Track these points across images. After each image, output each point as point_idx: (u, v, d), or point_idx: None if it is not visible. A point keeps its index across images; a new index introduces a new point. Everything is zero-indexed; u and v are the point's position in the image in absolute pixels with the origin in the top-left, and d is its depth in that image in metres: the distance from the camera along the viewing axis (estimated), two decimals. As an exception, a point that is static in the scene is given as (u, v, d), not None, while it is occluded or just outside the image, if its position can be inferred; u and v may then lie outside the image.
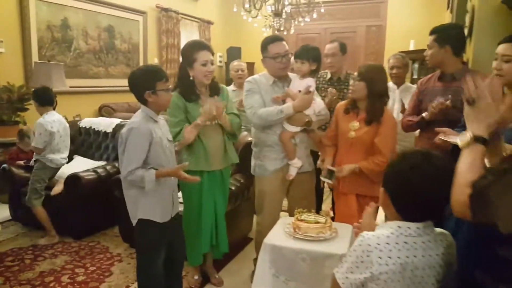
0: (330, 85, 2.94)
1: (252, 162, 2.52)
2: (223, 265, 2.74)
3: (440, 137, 1.77)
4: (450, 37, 2.20)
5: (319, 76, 2.98)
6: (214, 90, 2.37)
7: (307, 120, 2.28)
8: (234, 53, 6.95)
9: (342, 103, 2.38)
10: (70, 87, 4.17)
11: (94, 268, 2.71)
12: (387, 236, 1.10)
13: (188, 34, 6.64)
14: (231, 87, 3.59)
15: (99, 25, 4.86)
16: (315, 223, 1.91)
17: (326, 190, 3.31)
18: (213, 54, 2.30)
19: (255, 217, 3.28)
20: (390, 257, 1.07)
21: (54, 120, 2.98)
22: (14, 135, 3.50)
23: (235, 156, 2.47)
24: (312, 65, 2.32)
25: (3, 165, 3.29)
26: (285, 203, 2.60)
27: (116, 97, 5.11)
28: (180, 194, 2.38)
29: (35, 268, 2.69)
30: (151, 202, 1.87)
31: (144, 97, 1.83)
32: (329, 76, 3.01)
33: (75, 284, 2.50)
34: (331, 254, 1.75)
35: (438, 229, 1.17)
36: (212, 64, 2.27)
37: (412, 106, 2.40)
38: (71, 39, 4.50)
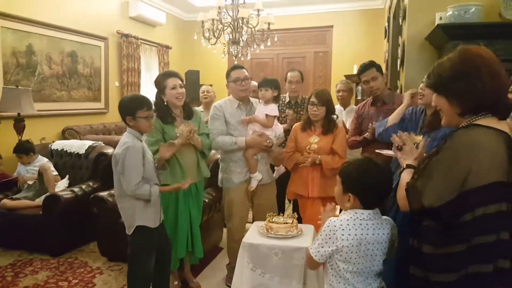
0: (288, 107, 3.38)
1: (220, 176, 2.85)
2: (199, 272, 2.99)
3: (376, 151, 2.22)
4: (381, 68, 2.74)
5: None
6: (188, 112, 2.66)
7: (268, 143, 2.67)
8: (192, 76, 7.23)
9: (298, 124, 2.82)
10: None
11: (77, 281, 2.83)
12: (347, 219, 1.47)
13: (147, 58, 6.85)
14: (200, 108, 3.93)
15: (62, 50, 4.96)
16: (284, 223, 2.24)
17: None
18: (181, 80, 2.60)
19: (224, 229, 3.60)
20: (349, 234, 1.43)
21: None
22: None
23: (207, 170, 2.75)
24: (274, 92, 2.75)
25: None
26: (250, 215, 2.94)
27: (79, 120, 5.19)
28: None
29: (18, 284, 2.77)
30: (146, 210, 2.15)
31: (126, 121, 2.12)
32: (287, 100, 3.45)
33: (62, 296, 2.63)
34: (299, 248, 2.06)
35: (384, 216, 1.56)
36: (181, 87, 2.56)
37: (353, 128, 2.87)
38: (36, 64, 4.56)
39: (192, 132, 2.49)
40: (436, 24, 2.79)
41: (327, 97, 2.65)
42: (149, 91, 6.51)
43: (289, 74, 3.45)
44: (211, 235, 3.32)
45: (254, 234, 2.26)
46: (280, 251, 2.11)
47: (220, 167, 2.86)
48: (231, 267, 2.79)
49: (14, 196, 3.42)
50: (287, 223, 2.25)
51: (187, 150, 2.60)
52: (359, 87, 6.28)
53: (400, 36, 3.73)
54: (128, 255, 2.20)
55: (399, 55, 3.63)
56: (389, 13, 4.99)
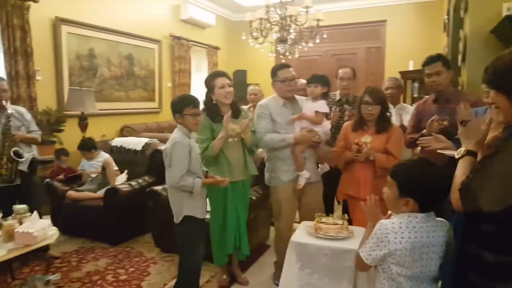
0: (339, 105, 3.29)
1: (266, 175, 2.86)
2: (246, 268, 3.04)
3: (438, 151, 2.12)
4: (449, 62, 2.56)
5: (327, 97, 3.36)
6: (236, 111, 2.71)
7: (317, 139, 2.65)
8: (240, 75, 7.36)
9: (348, 122, 2.73)
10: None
11: (133, 269, 3.02)
12: (399, 222, 1.42)
13: (197, 60, 7.05)
14: (247, 107, 3.98)
15: (120, 53, 5.27)
16: (334, 224, 2.20)
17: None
18: (230, 79, 2.67)
19: (271, 227, 3.62)
20: (403, 238, 1.38)
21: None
22: (51, 153, 3.87)
23: (254, 168, 2.78)
24: (324, 89, 2.71)
25: (46, 180, 3.65)
26: (296, 215, 2.91)
27: (135, 119, 5.49)
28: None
29: (81, 269, 3.01)
30: (194, 202, 2.27)
31: (175, 119, 2.27)
32: (338, 97, 3.37)
33: (119, 282, 2.81)
34: (349, 250, 1.99)
35: (439, 218, 1.48)
36: (229, 86, 2.62)
37: (412, 125, 2.71)
38: (96, 67, 4.90)
39: (247, 126, 2.55)
40: (503, 15, 2.56)
41: (381, 94, 2.57)
42: (198, 91, 6.71)
43: (340, 70, 3.37)
44: (258, 232, 3.35)
45: (302, 233, 2.24)
46: (329, 252, 2.07)
47: (266, 166, 2.86)
48: (278, 265, 2.80)
49: (78, 188, 3.71)
50: (337, 224, 2.21)
51: (235, 147, 2.64)
52: (416, 84, 6.01)
53: (461, 30, 3.49)
54: (179, 244, 2.33)
55: (461, 50, 3.40)
56: (449, 5, 4.71)
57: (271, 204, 2.91)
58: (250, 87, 4.16)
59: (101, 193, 3.55)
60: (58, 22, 4.33)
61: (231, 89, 2.63)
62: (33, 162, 3.12)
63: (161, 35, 6.04)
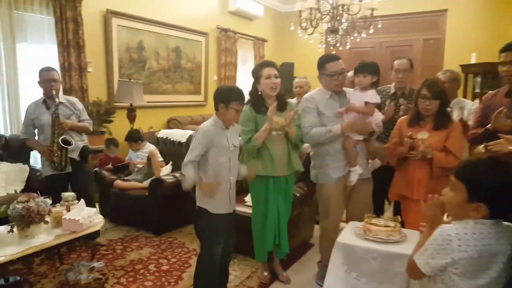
0: (393, 99, 3.05)
1: (313, 171, 2.70)
2: (289, 266, 2.93)
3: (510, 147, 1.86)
4: None
5: (381, 90, 3.13)
6: (282, 103, 2.59)
7: (371, 130, 2.47)
8: (287, 68, 7.18)
9: (404, 117, 2.53)
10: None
11: (175, 260, 3.03)
12: (464, 228, 1.27)
13: (244, 52, 6.98)
14: (294, 100, 3.85)
15: (168, 46, 5.34)
16: (385, 227, 2.03)
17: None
18: (277, 69, 2.55)
19: (316, 225, 3.48)
20: (468, 245, 1.23)
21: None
22: (101, 143, 4.01)
23: (299, 164, 2.66)
24: (373, 78, 2.50)
25: (95, 169, 3.78)
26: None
27: (182, 111, 5.55)
28: (248, 196, 2.74)
29: (125, 257, 3.06)
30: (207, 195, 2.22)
31: (218, 107, 2.20)
32: (393, 90, 3.13)
33: (161, 272, 2.82)
34: (402, 255, 1.83)
35: (506, 223, 1.32)
36: (276, 77, 2.51)
37: (477, 120, 2.44)
38: (145, 60, 4.99)
39: (292, 119, 2.44)
40: None
41: (440, 88, 2.35)
42: (244, 85, 6.64)
43: (396, 61, 3.13)
44: (301, 230, 3.24)
45: (349, 234, 2.11)
46: (379, 256, 1.93)
47: (313, 163, 2.71)
48: (322, 266, 2.67)
49: (125, 178, 3.80)
50: (388, 226, 2.04)
51: (279, 141, 2.54)
52: (478, 78, 5.52)
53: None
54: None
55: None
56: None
57: (317, 202, 2.77)
58: (296, 79, 4.03)
59: (146, 183, 3.60)
60: (109, 15, 4.44)
61: (278, 80, 2.52)
62: (85, 151, 3.20)
63: (208, 27, 6.04)
